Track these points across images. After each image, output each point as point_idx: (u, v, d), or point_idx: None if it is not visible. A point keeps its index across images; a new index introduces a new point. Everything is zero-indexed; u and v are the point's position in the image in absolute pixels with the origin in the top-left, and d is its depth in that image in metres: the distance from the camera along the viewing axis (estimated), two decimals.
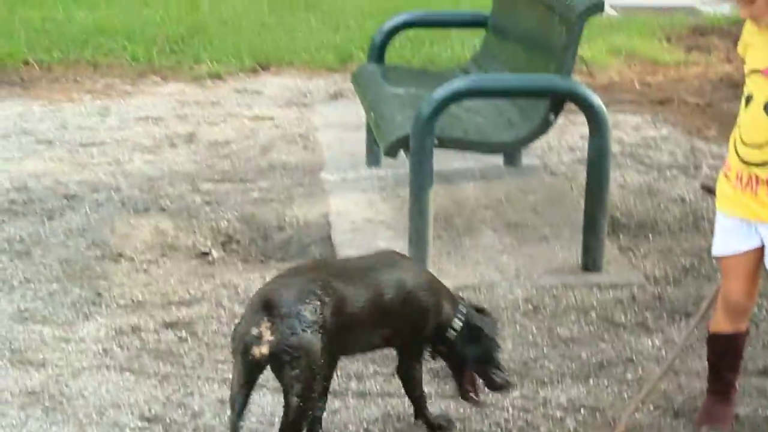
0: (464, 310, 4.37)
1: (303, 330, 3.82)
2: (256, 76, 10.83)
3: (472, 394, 4.46)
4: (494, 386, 4.44)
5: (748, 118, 4.05)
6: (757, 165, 4.02)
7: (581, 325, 5.46)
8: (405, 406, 4.61)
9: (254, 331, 3.81)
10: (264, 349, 3.80)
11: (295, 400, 3.87)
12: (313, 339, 3.85)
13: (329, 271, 4.14)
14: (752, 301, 4.37)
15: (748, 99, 4.05)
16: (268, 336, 3.80)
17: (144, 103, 9.72)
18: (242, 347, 3.83)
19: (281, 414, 3.96)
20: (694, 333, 4.68)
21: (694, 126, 9.31)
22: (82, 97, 9.89)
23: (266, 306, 3.85)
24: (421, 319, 4.27)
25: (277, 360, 3.82)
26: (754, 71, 4.03)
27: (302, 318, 3.83)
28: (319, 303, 3.90)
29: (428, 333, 4.31)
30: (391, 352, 5.07)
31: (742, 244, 4.17)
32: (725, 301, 4.35)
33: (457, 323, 4.33)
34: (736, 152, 4.09)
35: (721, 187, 4.23)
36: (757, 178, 4.03)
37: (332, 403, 4.62)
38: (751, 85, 4.04)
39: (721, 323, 4.41)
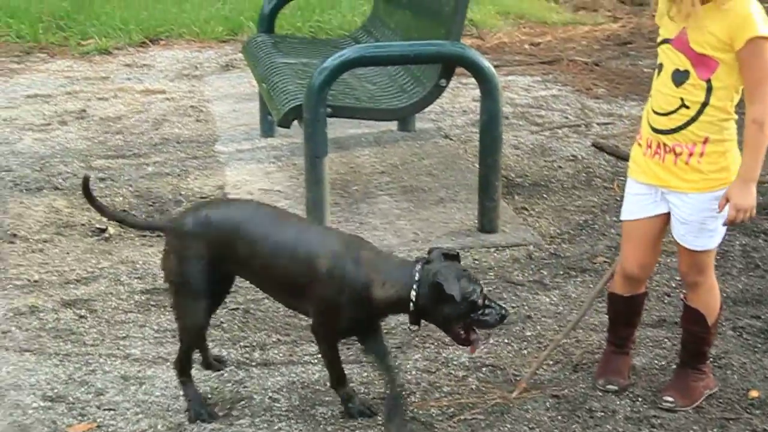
0: (417, 275, 3.93)
1: (170, 253, 4.20)
2: (145, 50, 10.74)
3: (471, 342, 4.04)
4: (489, 326, 4.09)
5: (658, 87, 4.14)
6: (665, 132, 4.11)
7: None
8: (309, 373, 4.64)
9: None
10: None
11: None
12: (173, 262, 4.18)
13: (236, 213, 4.25)
14: (647, 272, 4.45)
15: (659, 68, 4.14)
16: None
17: (32, 81, 9.57)
18: None
19: None
20: (590, 291, 4.77)
21: (584, 85, 9.46)
22: None
23: None
24: (321, 305, 4.06)
25: None
26: (665, 41, 4.11)
27: (171, 244, 4.22)
28: (197, 235, 4.13)
29: (343, 322, 4.07)
30: (297, 320, 5.11)
31: (649, 210, 4.26)
32: (622, 268, 4.44)
33: (413, 293, 3.92)
34: (648, 121, 4.19)
35: (634, 154, 4.33)
36: (664, 145, 4.12)
37: (236, 373, 4.63)
38: (662, 55, 4.13)
39: (619, 286, 4.50)
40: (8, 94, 9.11)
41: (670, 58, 4.08)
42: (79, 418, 4.29)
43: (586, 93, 9.21)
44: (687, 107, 4.04)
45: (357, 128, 7.97)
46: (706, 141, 4.04)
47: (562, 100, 8.97)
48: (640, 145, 4.27)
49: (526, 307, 5.30)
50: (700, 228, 4.14)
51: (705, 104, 4.01)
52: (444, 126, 8.27)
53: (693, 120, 4.03)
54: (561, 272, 5.71)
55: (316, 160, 5.93)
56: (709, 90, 4.00)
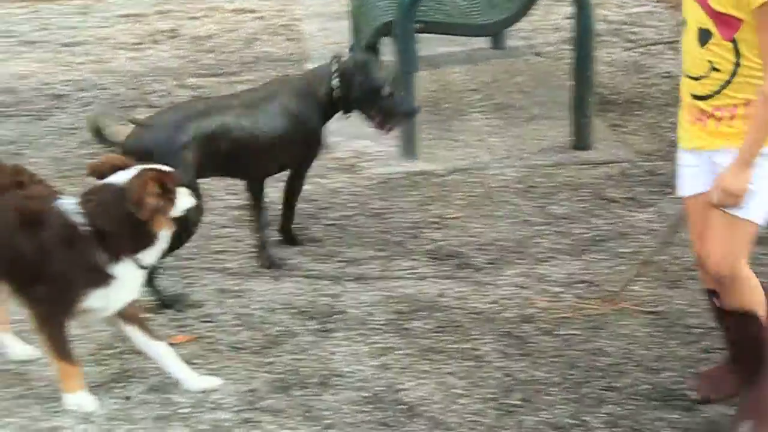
0: (336, 66, 4.86)
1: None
2: None
3: (384, 127, 5.01)
4: (400, 114, 5.02)
5: (686, 47, 3.57)
6: (700, 98, 3.53)
7: (574, 202, 5.50)
8: (403, 288, 4.66)
9: None
10: None
11: None
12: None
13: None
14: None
15: (684, 23, 3.55)
16: None
17: (125, 1, 9.65)
18: None
19: None
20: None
21: (678, 0, 9.26)
22: None
23: None
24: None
25: None
26: None
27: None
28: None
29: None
30: (391, 236, 5.13)
31: (700, 182, 3.61)
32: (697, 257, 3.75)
33: (335, 82, 4.83)
34: (685, 85, 3.60)
35: (680, 118, 3.71)
36: (702, 111, 3.54)
37: (331, 288, 4.67)
38: (685, 6, 3.51)
39: (706, 281, 3.78)
40: (102, 14, 9.21)
41: (693, 13, 3.44)
42: (179, 329, 4.36)
43: (680, 8, 9.02)
44: (718, 70, 3.42)
45: (448, 46, 7.91)
46: (747, 103, 3.41)
47: (656, 16, 8.83)
48: (683, 108, 3.65)
49: (621, 224, 5.26)
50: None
51: (737, 65, 3.39)
52: (536, 43, 8.20)
53: (728, 83, 3.43)
54: (656, 189, 5.64)
55: (407, 77, 5.92)
56: (737, 49, 3.38)
